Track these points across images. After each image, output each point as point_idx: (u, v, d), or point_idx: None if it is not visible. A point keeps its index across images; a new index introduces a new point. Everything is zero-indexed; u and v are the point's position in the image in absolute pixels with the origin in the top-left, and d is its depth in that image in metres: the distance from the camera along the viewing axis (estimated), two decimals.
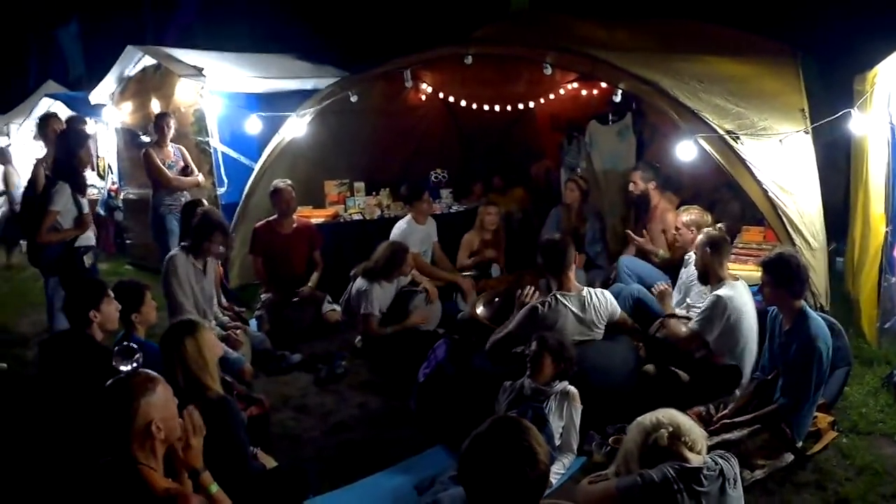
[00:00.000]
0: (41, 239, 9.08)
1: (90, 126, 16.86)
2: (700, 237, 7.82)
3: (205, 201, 11.01)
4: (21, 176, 16.47)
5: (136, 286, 7.19)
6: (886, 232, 8.58)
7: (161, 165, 11.81)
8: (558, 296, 7.50)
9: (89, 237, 9.40)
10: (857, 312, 9.42)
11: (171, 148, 12.11)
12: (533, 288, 7.88)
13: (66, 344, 6.65)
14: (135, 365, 5.64)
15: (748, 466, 6.28)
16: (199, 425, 4.59)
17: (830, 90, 11.07)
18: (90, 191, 13.31)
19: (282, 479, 5.90)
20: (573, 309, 7.47)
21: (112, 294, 6.76)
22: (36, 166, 10.44)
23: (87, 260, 9.31)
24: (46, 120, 11.82)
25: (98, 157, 17.69)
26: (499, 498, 3.38)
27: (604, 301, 7.73)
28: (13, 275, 10.75)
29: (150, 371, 4.40)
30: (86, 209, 9.31)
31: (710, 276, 7.67)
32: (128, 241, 16.25)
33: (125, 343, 6.05)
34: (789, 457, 6.56)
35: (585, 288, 7.77)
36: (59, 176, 9.16)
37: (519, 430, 3.47)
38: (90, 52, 27.21)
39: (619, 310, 7.91)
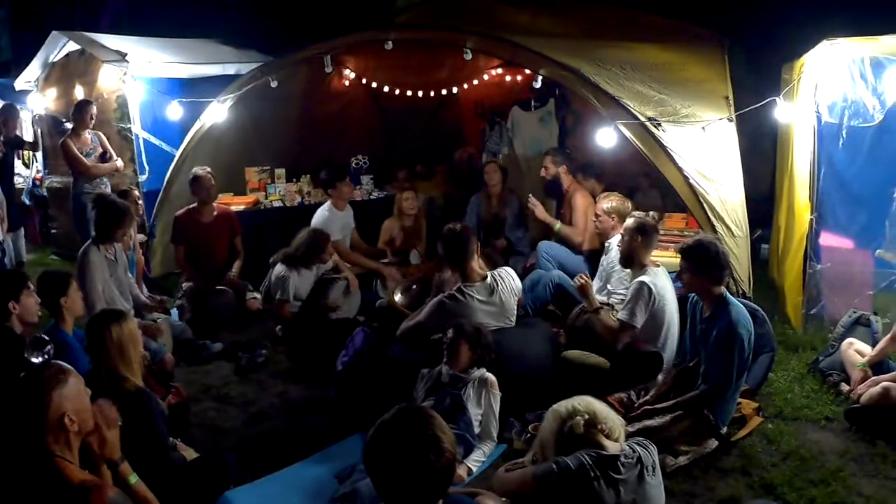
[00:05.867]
0: None
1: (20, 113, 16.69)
2: (631, 222, 7.78)
3: (136, 191, 10.94)
4: None
5: (61, 274, 7.16)
6: (811, 220, 8.73)
7: (78, 153, 11.60)
8: (464, 288, 7.41)
9: None
10: (783, 299, 9.52)
11: (88, 135, 11.91)
12: (451, 272, 7.84)
13: None
14: (46, 357, 5.58)
15: (672, 452, 6.32)
16: (112, 418, 4.55)
17: (758, 78, 11.15)
18: (15, 179, 13.14)
19: (202, 470, 5.89)
20: (480, 298, 7.39)
21: (32, 286, 6.70)
22: None
23: None
24: None
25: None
26: (404, 487, 3.30)
27: (508, 280, 7.65)
28: None
29: (61, 363, 4.33)
30: None
31: (633, 262, 7.69)
32: (53, 231, 15.77)
33: (37, 335, 5.99)
34: (713, 443, 6.58)
35: (489, 273, 7.67)
36: None
37: (423, 419, 3.40)
38: (18, 37, 26.79)
39: (520, 289, 7.86)
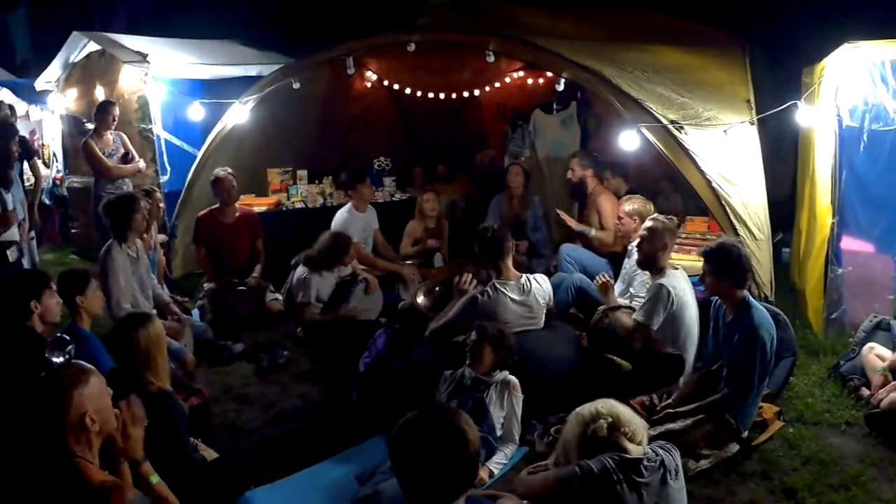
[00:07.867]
0: None
1: (34, 113, 16.69)
2: (649, 224, 7.75)
3: (158, 192, 10.94)
4: None
5: (81, 272, 7.18)
6: (832, 223, 8.69)
7: (100, 154, 11.57)
8: (497, 284, 7.46)
9: (13, 232, 9.21)
10: (804, 303, 9.46)
11: (110, 135, 11.87)
12: (471, 276, 7.84)
13: (5, 335, 6.57)
14: (67, 356, 5.58)
15: (693, 456, 6.30)
16: (140, 415, 4.56)
17: (780, 82, 11.12)
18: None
19: (222, 471, 5.90)
20: (513, 296, 7.44)
21: (54, 287, 6.72)
22: None
23: (11, 255, 9.10)
24: None
25: (43, 144, 17.47)
26: (430, 480, 3.33)
27: (542, 285, 7.71)
28: None
29: (82, 362, 4.33)
30: (10, 205, 9.12)
31: (651, 264, 7.67)
32: (73, 231, 15.79)
33: (58, 334, 6.00)
34: (735, 447, 6.56)
35: (524, 275, 7.73)
36: None
37: (447, 414, 3.45)
38: (38, 37, 26.81)
39: (552, 296, 7.90)
